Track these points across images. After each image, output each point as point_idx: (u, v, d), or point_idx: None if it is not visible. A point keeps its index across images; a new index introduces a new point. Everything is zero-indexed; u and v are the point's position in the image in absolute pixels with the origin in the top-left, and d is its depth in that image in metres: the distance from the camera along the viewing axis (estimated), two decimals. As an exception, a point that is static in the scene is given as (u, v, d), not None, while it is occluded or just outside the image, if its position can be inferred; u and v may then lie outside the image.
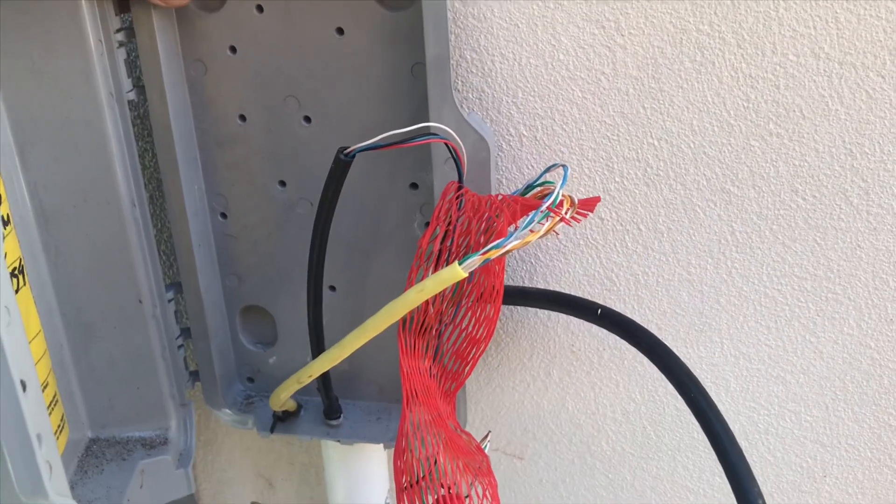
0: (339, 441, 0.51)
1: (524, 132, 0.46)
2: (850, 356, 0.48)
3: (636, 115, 0.45)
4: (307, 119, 0.46)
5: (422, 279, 0.41)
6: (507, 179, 0.48)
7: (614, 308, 0.49)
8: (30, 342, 0.43)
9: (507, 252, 0.37)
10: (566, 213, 0.39)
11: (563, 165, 0.40)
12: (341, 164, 0.39)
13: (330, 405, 0.50)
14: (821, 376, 0.49)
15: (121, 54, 0.45)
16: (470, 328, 0.43)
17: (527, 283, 0.50)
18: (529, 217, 0.37)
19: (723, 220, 0.46)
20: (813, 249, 0.46)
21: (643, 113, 0.45)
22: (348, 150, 0.39)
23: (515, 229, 0.37)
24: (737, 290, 0.48)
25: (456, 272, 0.37)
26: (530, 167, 0.47)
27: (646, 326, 0.49)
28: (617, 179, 0.46)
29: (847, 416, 0.50)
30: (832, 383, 0.49)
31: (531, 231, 0.37)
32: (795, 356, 0.49)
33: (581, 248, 0.49)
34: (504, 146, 0.47)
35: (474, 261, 0.37)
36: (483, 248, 0.37)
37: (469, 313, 0.43)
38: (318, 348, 0.44)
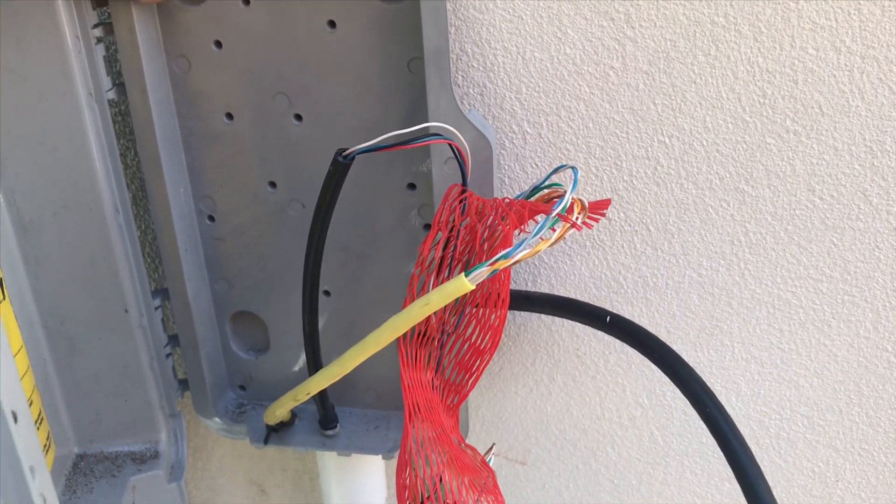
0: (336, 452, 0.49)
1: (528, 129, 0.44)
2: (866, 359, 0.47)
3: (646, 111, 0.42)
4: (298, 117, 0.44)
5: (423, 287, 0.39)
6: (509, 178, 0.46)
7: (622, 311, 0.48)
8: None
9: (517, 262, 0.35)
10: (577, 219, 0.37)
11: (572, 167, 0.38)
12: (340, 166, 0.36)
13: (326, 415, 0.48)
14: (835, 380, 0.48)
15: (99, 51, 0.42)
16: (473, 338, 0.41)
17: (530, 286, 0.48)
18: (539, 224, 0.35)
19: (736, 220, 0.44)
20: (829, 251, 0.44)
21: (654, 109, 0.42)
22: (347, 151, 0.36)
23: (523, 237, 0.35)
24: (749, 293, 0.46)
25: (463, 285, 0.35)
26: (534, 165, 0.45)
27: (655, 329, 0.48)
28: (626, 178, 0.44)
29: (861, 421, 0.49)
30: (846, 387, 0.48)
31: (542, 239, 0.35)
32: (809, 360, 0.47)
33: (587, 250, 0.47)
34: (507, 144, 0.45)
35: (482, 272, 0.35)
36: (490, 258, 0.35)
37: (472, 322, 0.41)
38: (314, 362, 0.42)
